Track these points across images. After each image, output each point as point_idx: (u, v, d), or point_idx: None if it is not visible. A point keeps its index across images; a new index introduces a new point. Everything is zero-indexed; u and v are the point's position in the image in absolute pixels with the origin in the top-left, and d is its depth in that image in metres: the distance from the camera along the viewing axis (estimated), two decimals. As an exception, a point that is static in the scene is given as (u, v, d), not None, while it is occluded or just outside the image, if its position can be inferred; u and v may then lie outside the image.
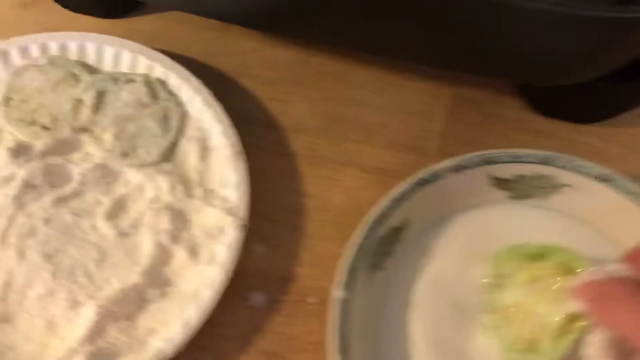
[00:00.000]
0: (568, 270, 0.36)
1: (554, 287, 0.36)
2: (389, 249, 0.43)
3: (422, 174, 0.43)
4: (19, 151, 0.45)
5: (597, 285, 0.32)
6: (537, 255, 0.38)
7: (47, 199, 0.44)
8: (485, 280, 0.40)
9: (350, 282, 0.40)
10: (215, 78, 0.50)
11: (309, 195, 0.47)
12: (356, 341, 0.39)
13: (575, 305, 0.34)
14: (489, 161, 0.43)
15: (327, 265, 0.45)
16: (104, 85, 0.48)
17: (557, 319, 0.35)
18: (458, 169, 0.43)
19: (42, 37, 0.49)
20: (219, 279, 0.42)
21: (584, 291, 0.33)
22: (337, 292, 0.39)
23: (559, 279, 0.36)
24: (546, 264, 0.38)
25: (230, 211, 0.44)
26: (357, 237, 0.41)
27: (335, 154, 0.49)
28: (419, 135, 0.50)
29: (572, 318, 0.35)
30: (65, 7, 0.53)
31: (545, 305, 0.36)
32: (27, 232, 0.43)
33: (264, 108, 0.51)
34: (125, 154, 0.46)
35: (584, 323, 0.34)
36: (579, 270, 0.36)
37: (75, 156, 0.46)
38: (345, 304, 0.39)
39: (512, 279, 0.38)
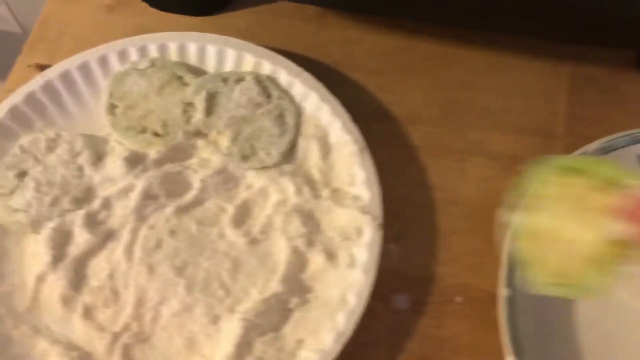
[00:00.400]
0: (614, 186, 0.29)
1: (597, 207, 0.29)
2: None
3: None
4: (134, 161, 0.43)
5: None
6: (579, 169, 0.30)
7: (169, 210, 0.42)
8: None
9: (512, 278, 0.37)
10: (320, 71, 0.47)
11: (436, 188, 0.45)
12: (527, 339, 0.36)
13: (622, 229, 0.27)
14: (638, 140, 0.41)
15: (468, 262, 0.42)
16: (214, 86, 0.45)
17: (601, 245, 0.28)
18: (606, 150, 0.41)
19: (141, 39, 0.47)
20: (364, 283, 0.39)
21: (634, 213, 0.27)
22: (502, 290, 0.37)
23: (603, 196, 0.29)
24: (589, 179, 0.30)
25: (364, 210, 0.41)
26: (509, 230, 0.38)
27: (458, 143, 0.47)
28: (543, 118, 0.48)
29: (618, 244, 0.28)
30: (155, 7, 0.51)
31: (588, 229, 0.29)
32: (153, 246, 0.41)
33: (376, 99, 0.48)
34: (244, 157, 0.44)
35: (632, 250, 0.28)
36: (626, 186, 0.28)
37: (192, 162, 0.44)
38: (511, 301, 0.36)
39: (549, 198, 0.31)
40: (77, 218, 0.41)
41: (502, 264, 0.38)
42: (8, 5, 0.96)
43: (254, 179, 0.43)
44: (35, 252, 0.41)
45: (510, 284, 0.37)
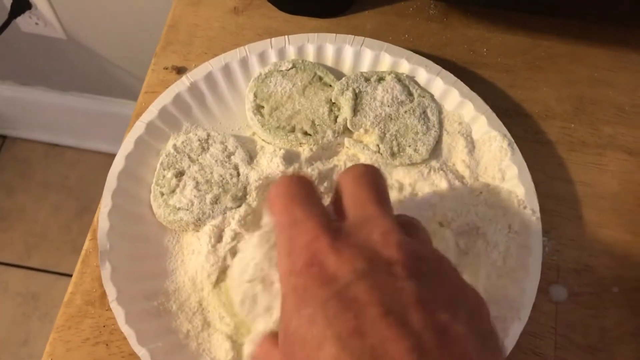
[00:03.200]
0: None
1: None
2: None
3: None
4: (289, 159, 0.44)
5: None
6: None
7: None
8: None
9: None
10: (448, 70, 0.48)
11: (579, 182, 0.46)
12: None
13: None
14: None
15: (619, 254, 0.43)
16: (358, 85, 0.46)
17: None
18: None
19: (279, 41, 0.47)
20: (534, 277, 0.40)
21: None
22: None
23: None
24: None
25: (522, 204, 0.42)
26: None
27: (593, 137, 0.48)
28: (672, 111, 0.49)
29: None
30: (283, 10, 0.51)
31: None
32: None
33: (507, 96, 0.49)
34: (393, 155, 0.44)
35: None
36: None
37: (340, 159, 0.44)
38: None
39: None
40: (236, 215, 0.41)
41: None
42: (55, 12, 0.97)
43: (403, 175, 0.44)
44: (195, 249, 0.42)
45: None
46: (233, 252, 0.41)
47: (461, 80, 0.47)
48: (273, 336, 0.28)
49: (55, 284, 1.25)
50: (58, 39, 1.04)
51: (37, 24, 1.01)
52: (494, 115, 0.45)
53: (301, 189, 0.28)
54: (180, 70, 0.48)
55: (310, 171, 0.43)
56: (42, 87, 1.24)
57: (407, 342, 0.21)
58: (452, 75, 0.46)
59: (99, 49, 1.06)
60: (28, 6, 0.95)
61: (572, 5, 0.46)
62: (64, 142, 1.42)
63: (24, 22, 0.98)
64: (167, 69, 0.48)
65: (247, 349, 0.30)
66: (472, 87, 0.47)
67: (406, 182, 0.44)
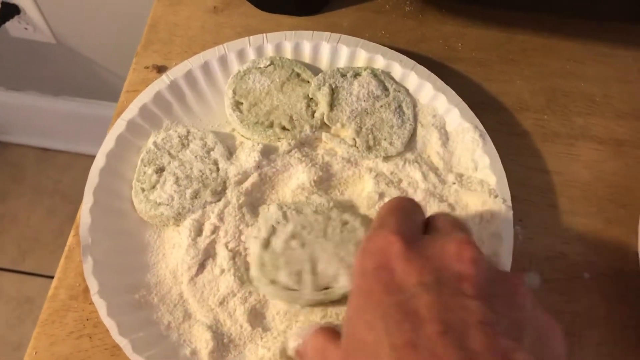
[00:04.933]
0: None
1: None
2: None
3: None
4: (267, 154, 0.45)
5: (303, 352, 0.31)
6: None
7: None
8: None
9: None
10: (425, 64, 0.49)
11: (552, 172, 0.47)
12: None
13: None
14: None
15: (591, 240, 0.44)
16: (334, 81, 0.47)
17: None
18: None
19: (257, 39, 0.48)
20: (505, 264, 0.41)
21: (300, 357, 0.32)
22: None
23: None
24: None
25: (493, 193, 0.43)
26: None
27: (566, 128, 0.49)
28: (642, 102, 0.50)
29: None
30: (261, 8, 0.52)
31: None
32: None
33: (482, 89, 0.50)
34: (369, 148, 0.45)
35: None
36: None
37: (317, 153, 0.45)
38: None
39: None
40: (215, 209, 0.42)
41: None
42: (44, 16, 0.98)
43: (380, 168, 0.45)
44: (175, 243, 0.43)
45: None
46: (212, 245, 0.42)
47: (437, 74, 0.48)
48: (327, 331, 0.29)
49: (49, 287, 1.25)
50: (48, 44, 1.05)
51: (26, 28, 1.02)
52: (466, 107, 0.46)
53: (406, 204, 0.29)
54: (161, 69, 0.49)
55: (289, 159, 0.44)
56: (32, 92, 1.24)
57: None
58: (426, 69, 0.47)
59: (89, 52, 1.07)
60: (17, 11, 0.96)
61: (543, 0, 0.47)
62: (55, 146, 1.42)
63: (13, 27, 0.99)
64: (147, 68, 0.49)
65: (292, 342, 0.31)
66: (448, 81, 0.48)
67: (384, 171, 0.45)
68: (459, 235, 0.26)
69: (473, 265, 0.25)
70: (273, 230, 0.39)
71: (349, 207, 0.43)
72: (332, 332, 0.29)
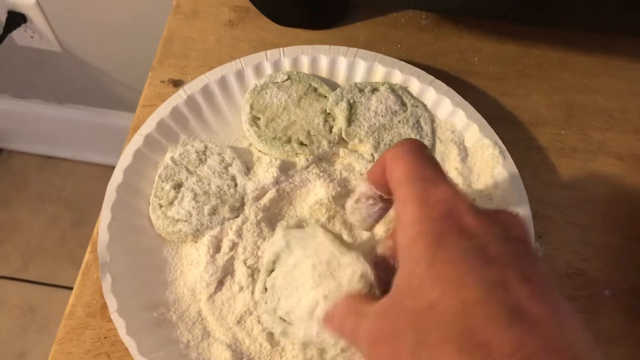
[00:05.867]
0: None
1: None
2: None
3: None
4: (286, 169, 0.45)
5: (332, 316, 0.31)
6: None
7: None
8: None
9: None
10: (441, 78, 0.49)
11: (570, 187, 0.47)
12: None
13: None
14: None
15: (610, 257, 0.44)
16: (352, 96, 0.47)
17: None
18: None
19: (274, 53, 0.48)
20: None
21: (329, 324, 0.31)
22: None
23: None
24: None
25: (514, 210, 0.43)
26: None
27: (584, 143, 0.49)
28: (660, 116, 0.50)
29: None
30: (277, 22, 0.52)
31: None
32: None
33: (499, 104, 0.50)
34: (388, 163, 0.45)
35: None
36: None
37: (335, 169, 0.45)
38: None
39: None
40: (234, 226, 0.42)
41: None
42: (50, 25, 0.98)
43: (398, 184, 0.45)
44: (194, 259, 0.42)
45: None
46: (230, 262, 0.41)
47: (453, 89, 0.48)
48: (356, 296, 0.29)
49: (53, 296, 1.25)
50: (53, 52, 1.05)
51: (32, 37, 1.02)
52: (485, 123, 0.46)
53: (425, 150, 0.29)
54: (177, 83, 0.49)
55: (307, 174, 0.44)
56: (37, 100, 1.24)
57: (549, 307, 0.22)
58: (444, 84, 0.47)
59: (94, 61, 1.06)
60: (23, 20, 0.96)
61: (559, 15, 0.46)
62: (58, 154, 1.42)
63: (19, 35, 0.99)
64: (163, 82, 0.49)
65: (321, 310, 0.31)
66: (464, 96, 0.48)
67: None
68: (505, 210, 0.28)
69: (526, 232, 0.26)
70: (277, 257, 0.38)
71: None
72: (362, 305, 0.29)
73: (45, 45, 1.03)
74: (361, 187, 0.33)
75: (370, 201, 0.32)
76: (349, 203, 0.34)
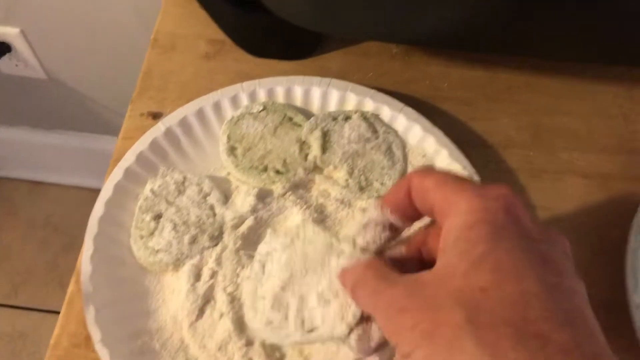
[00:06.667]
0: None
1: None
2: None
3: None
4: (263, 197, 0.46)
5: (351, 272, 0.31)
6: None
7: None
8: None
9: (637, 286, 0.41)
10: (413, 105, 0.51)
11: (539, 207, 0.48)
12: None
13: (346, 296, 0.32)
14: None
15: (581, 273, 0.45)
16: (325, 124, 0.48)
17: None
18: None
19: (250, 84, 0.50)
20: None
21: (343, 278, 0.32)
22: (633, 297, 0.40)
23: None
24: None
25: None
26: (630, 241, 0.42)
27: (552, 164, 0.50)
28: (624, 136, 0.52)
29: None
30: (252, 54, 0.54)
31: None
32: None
33: (469, 128, 0.52)
34: (361, 189, 0.47)
35: None
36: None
37: (312, 195, 0.47)
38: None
39: None
40: (213, 254, 0.44)
41: (627, 272, 0.41)
42: (35, 53, 0.99)
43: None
44: (175, 288, 0.44)
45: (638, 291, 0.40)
46: (211, 290, 0.43)
47: (424, 114, 0.49)
48: (382, 260, 0.30)
49: (43, 322, 1.25)
50: (39, 79, 1.06)
51: (17, 65, 1.03)
52: (454, 147, 0.48)
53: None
54: (156, 116, 0.51)
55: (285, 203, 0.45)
56: (24, 127, 1.25)
57: (593, 322, 0.24)
58: (414, 111, 0.49)
59: (80, 87, 1.08)
60: (8, 49, 0.98)
61: (524, 47, 0.48)
62: (48, 179, 1.43)
63: (4, 64, 1.00)
64: (143, 115, 0.51)
65: (343, 260, 0.32)
66: (435, 121, 0.49)
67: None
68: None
69: (571, 251, 0.27)
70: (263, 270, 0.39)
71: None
72: (388, 270, 0.29)
73: (30, 73, 1.05)
74: (372, 212, 0.33)
75: (379, 227, 0.32)
76: (356, 225, 0.34)
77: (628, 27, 0.39)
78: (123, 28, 0.85)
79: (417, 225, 0.33)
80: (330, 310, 0.33)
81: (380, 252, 0.32)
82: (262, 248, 0.38)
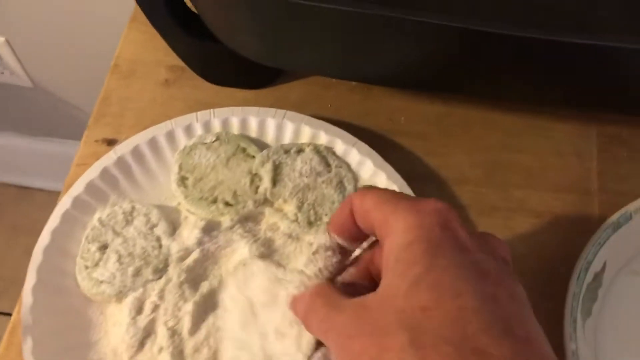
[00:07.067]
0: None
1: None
2: (594, 294, 0.44)
3: (616, 217, 0.44)
4: (209, 230, 0.46)
5: (300, 300, 0.31)
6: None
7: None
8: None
9: (574, 332, 0.41)
10: (369, 138, 0.51)
11: (488, 245, 0.48)
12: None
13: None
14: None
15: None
16: (277, 157, 0.48)
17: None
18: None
19: (205, 114, 0.50)
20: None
21: (294, 307, 0.32)
22: (570, 345, 0.40)
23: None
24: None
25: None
26: (571, 286, 0.42)
27: (503, 201, 0.50)
28: (577, 175, 0.52)
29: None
30: (211, 82, 0.54)
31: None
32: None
33: (424, 163, 0.52)
34: (310, 223, 0.47)
35: None
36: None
37: (260, 228, 0.47)
38: (577, 357, 0.40)
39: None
40: (156, 287, 0.44)
41: (566, 318, 0.41)
42: (20, 62, 1.00)
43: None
44: (117, 320, 0.44)
45: (574, 338, 0.40)
46: (152, 324, 0.43)
47: (380, 148, 0.50)
48: (330, 286, 0.30)
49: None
50: (24, 87, 1.07)
51: (2, 73, 1.04)
52: (404, 183, 0.48)
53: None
54: (111, 143, 0.51)
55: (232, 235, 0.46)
56: (10, 132, 1.26)
57: (534, 327, 0.24)
58: (366, 145, 0.49)
59: (65, 95, 1.08)
60: (-6, 57, 0.98)
61: (478, 88, 0.48)
62: (34, 184, 1.43)
63: (-12, 71, 1.01)
64: (98, 141, 0.51)
65: (294, 289, 0.32)
66: (390, 155, 0.49)
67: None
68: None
69: (510, 255, 0.29)
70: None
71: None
72: (336, 296, 0.29)
73: (16, 81, 1.06)
74: (319, 238, 0.34)
75: (329, 252, 0.33)
76: (306, 254, 0.34)
77: (568, 78, 0.39)
78: (107, 38, 0.86)
79: (366, 244, 0.33)
80: (286, 341, 0.33)
81: (333, 277, 0.33)
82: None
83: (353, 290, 0.30)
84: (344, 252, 0.33)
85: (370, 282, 0.32)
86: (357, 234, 0.32)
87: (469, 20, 0.35)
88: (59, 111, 1.14)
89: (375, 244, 0.33)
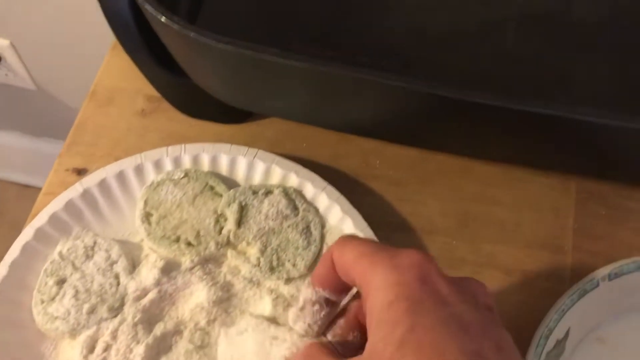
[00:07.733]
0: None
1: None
2: (555, 360, 0.42)
3: (583, 283, 0.43)
4: (168, 270, 0.45)
5: None
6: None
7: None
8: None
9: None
10: (341, 180, 0.50)
11: (453, 300, 0.47)
12: None
13: None
14: (642, 266, 0.43)
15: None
16: (244, 198, 0.48)
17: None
18: (616, 275, 0.43)
19: (175, 149, 0.50)
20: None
21: None
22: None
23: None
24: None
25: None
26: (530, 353, 0.41)
27: (473, 255, 0.49)
28: (552, 232, 0.50)
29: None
30: (187, 115, 0.54)
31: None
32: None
33: (395, 209, 0.51)
34: (272, 269, 0.46)
35: None
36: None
37: (221, 271, 0.46)
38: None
39: None
40: (110, 326, 0.43)
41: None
42: (24, 64, 1.00)
43: (281, 290, 0.45)
44: (69, 357, 0.43)
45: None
46: None
47: (352, 192, 0.49)
48: (320, 346, 0.31)
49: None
50: (28, 90, 1.08)
51: (7, 75, 1.04)
52: (371, 232, 0.47)
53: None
54: (81, 172, 0.51)
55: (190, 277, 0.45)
56: (14, 132, 1.27)
57: None
58: (335, 190, 0.48)
59: (68, 98, 1.09)
60: (-3, 59, 0.99)
61: (444, 146, 0.48)
62: (36, 183, 1.44)
63: (-7, 73, 1.02)
64: (68, 170, 0.51)
65: (286, 351, 0.32)
66: (361, 200, 0.49)
67: (284, 293, 0.45)
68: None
69: (493, 301, 0.28)
70: None
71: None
72: (329, 350, 0.30)
73: (19, 83, 1.07)
74: (304, 293, 0.33)
75: (316, 307, 0.33)
76: (292, 312, 0.34)
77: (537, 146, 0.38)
78: (111, 43, 0.86)
79: (350, 295, 0.34)
80: None
81: (323, 331, 0.33)
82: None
83: (344, 345, 0.31)
84: (331, 303, 0.33)
85: (361, 333, 0.32)
86: (342, 286, 0.32)
87: (433, 85, 0.34)
88: (62, 114, 1.15)
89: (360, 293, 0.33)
